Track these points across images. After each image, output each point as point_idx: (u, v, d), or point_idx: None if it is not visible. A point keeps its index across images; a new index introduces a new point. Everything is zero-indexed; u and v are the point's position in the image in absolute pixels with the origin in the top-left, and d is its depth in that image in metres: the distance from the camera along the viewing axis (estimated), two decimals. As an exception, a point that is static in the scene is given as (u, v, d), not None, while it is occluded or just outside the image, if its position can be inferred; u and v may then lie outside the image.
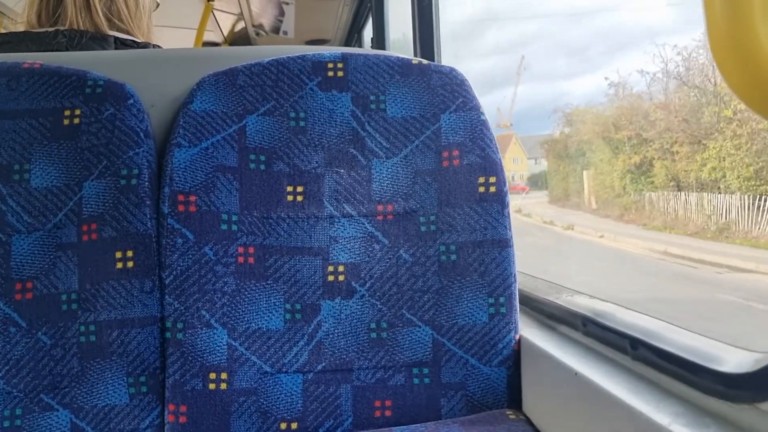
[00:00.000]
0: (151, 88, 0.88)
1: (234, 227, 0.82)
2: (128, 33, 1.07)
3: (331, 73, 0.87)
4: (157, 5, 1.23)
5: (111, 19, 1.06)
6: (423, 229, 0.85)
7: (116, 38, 1.04)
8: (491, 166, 0.85)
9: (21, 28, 1.07)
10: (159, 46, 1.09)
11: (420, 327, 0.83)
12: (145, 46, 1.06)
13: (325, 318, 0.83)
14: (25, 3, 1.09)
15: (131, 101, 0.83)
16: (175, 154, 0.82)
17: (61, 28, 1.02)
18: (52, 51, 0.97)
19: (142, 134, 0.82)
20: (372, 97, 0.87)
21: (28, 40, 1.00)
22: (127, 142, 0.82)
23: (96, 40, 1.02)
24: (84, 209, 0.81)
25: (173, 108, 0.87)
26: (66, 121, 0.82)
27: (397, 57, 0.89)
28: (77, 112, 0.82)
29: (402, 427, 0.80)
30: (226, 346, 0.80)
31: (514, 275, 0.85)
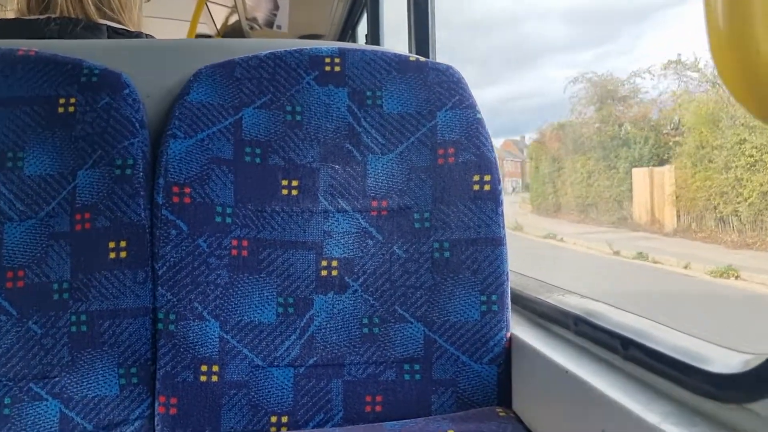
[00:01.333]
0: (146, 78, 0.87)
1: (228, 220, 0.82)
2: (119, 22, 1.06)
3: (328, 68, 0.87)
4: None
5: (101, 8, 1.05)
6: (417, 225, 0.85)
7: (108, 27, 1.04)
8: (486, 165, 0.86)
9: (11, 16, 1.06)
10: (151, 36, 1.09)
11: (412, 323, 0.84)
12: (137, 35, 1.06)
13: (318, 312, 0.83)
14: None
15: (127, 91, 0.83)
16: (170, 145, 0.82)
17: (53, 15, 1.01)
18: (44, 38, 0.96)
19: (137, 124, 0.82)
20: (368, 93, 0.87)
21: (20, 27, 1.00)
22: (123, 132, 0.81)
23: (89, 28, 1.01)
24: (78, 198, 0.80)
25: (169, 99, 0.87)
26: (61, 110, 0.81)
27: (394, 53, 0.89)
28: (72, 100, 0.81)
29: (392, 422, 0.80)
30: (218, 339, 0.80)
31: (507, 273, 0.85)
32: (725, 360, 0.52)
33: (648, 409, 0.54)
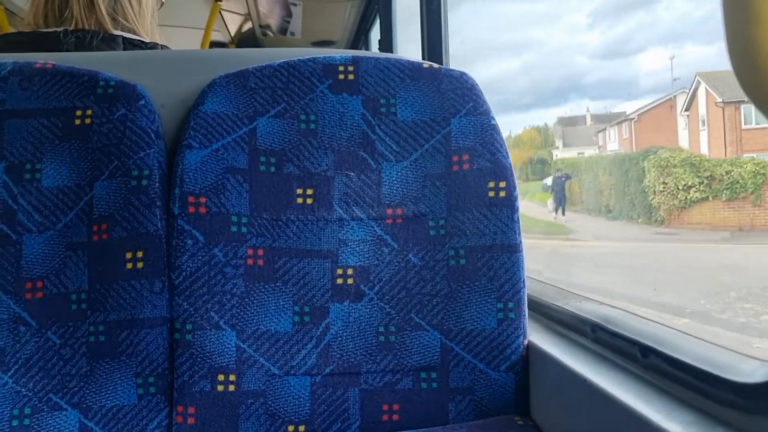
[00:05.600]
0: (161, 88, 0.88)
1: (243, 229, 0.83)
2: (134, 32, 1.07)
3: (341, 76, 0.87)
4: (161, 4, 1.23)
5: (116, 18, 1.06)
6: (432, 233, 0.85)
7: (124, 38, 1.04)
8: (501, 171, 0.85)
9: (27, 30, 1.07)
10: (166, 46, 1.09)
11: (428, 331, 0.83)
12: (153, 46, 1.06)
13: (334, 321, 0.83)
14: (30, 3, 1.09)
15: (142, 102, 0.83)
16: (185, 155, 0.82)
17: (70, 28, 1.02)
18: (62, 51, 0.97)
19: (153, 135, 0.83)
20: (382, 101, 0.87)
21: (37, 40, 1.01)
22: (138, 143, 0.82)
23: (105, 40, 1.02)
24: (95, 209, 0.81)
25: (183, 109, 0.87)
26: (77, 121, 0.82)
27: (408, 60, 0.89)
28: (89, 112, 0.82)
29: (409, 431, 0.80)
30: (234, 348, 0.80)
31: (523, 280, 0.85)
32: (749, 369, 0.51)
33: (669, 419, 0.53)
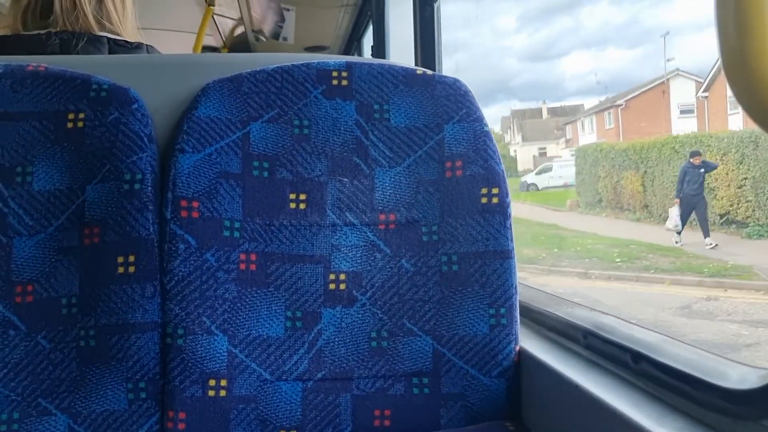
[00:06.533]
0: (155, 93, 0.88)
1: (236, 234, 0.82)
2: (117, 34, 1.07)
3: (335, 82, 0.87)
4: None
5: (100, 20, 1.06)
6: (425, 238, 0.85)
7: (109, 39, 1.04)
8: (494, 177, 0.86)
9: (7, 33, 1.06)
10: (152, 47, 1.09)
11: (420, 337, 0.83)
12: (138, 46, 1.06)
13: (326, 326, 0.83)
14: (10, 8, 1.08)
15: (135, 106, 0.83)
16: (178, 159, 0.82)
17: (53, 30, 1.01)
18: (46, 54, 0.96)
19: (145, 139, 0.82)
20: (376, 106, 0.87)
21: (20, 43, 1.00)
22: (131, 147, 0.81)
23: (91, 41, 1.01)
24: (86, 213, 0.80)
25: (177, 113, 0.87)
26: (70, 125, 0.82)
27: (401, 67, 0.90)
28: (81, 115, 0.82)
29: None
30: (226, 353, 0.80)
31: (515, 286, 0.85)
32: (739, 375, 0.51)
33: (659, 425, 0.54)
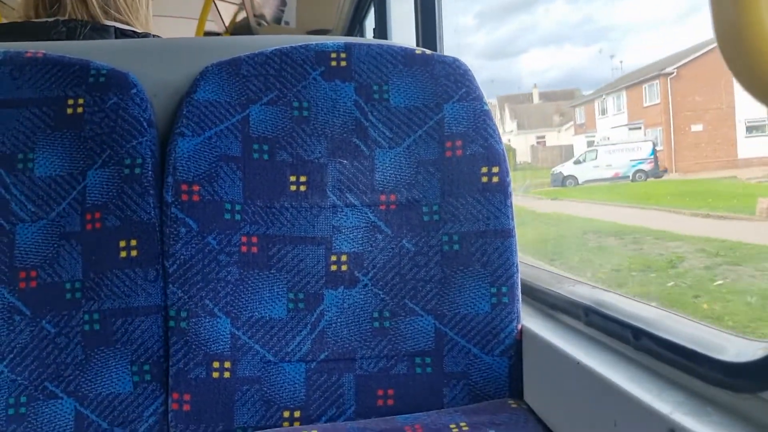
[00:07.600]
0: (153, 77, 0.88)
1: (237, 216, 0.83)
2: (126, 23, 1.07)
3: (334, 63, 0.87)
4: None
5: (108, 10, 1.05)
6: (426, 218, 0.85)
7: (116, 28, 1.04)
8: (494, 156, 0.85)
9: (20, 21, 1.07)
10: (158, 36, 1.09)
11: (422, 316, 0.84)
12: (144, 35, 1.06)
13: (328, 307, 0.83)
14: None
15: (134, 90, 0.83)
16: (178, 143, 0.82)
17: (61, 18, 1.02)
18: (52, 41, 0.97)
19: (145, 123, 0.83)
20: (375, 87, 0.87)
21: (28, 30, 1.00)
22: (131, 132, 0.82)
23: (96, 30, 1.02)
24: (88, 198, 0.81)
25: (176, 97, 0.87)
26: (69, 110, 0.82)
27: (400, 47, 0.89)
28: (80, 101, 0.82)
29: (404, 415, 0.80)
30: (229, 335, 0.81)
31: (516, 265, 0.85)
32: (737, 348, 0.51)
33: (659, 399, 0.54)
